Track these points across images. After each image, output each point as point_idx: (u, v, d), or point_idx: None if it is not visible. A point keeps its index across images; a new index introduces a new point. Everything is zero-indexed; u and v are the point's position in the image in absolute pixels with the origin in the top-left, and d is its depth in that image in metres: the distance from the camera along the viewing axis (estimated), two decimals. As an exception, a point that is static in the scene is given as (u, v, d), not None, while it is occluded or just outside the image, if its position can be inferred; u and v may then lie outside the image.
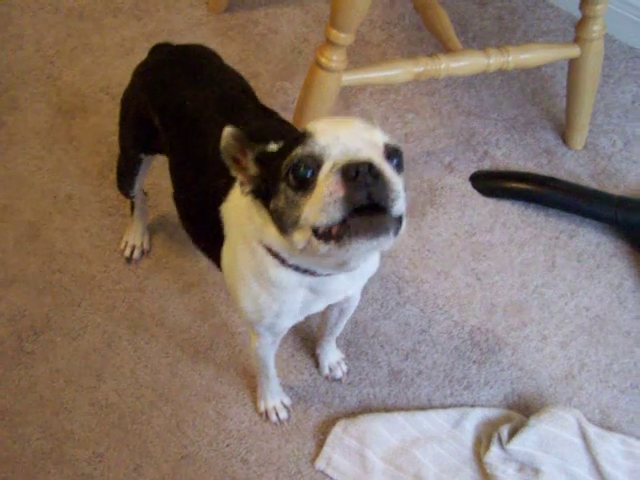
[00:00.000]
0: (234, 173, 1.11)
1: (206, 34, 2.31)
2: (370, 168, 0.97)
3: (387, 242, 1.00)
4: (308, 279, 1.19)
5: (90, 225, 1.93)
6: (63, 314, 1.81)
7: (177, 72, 1.48)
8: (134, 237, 1.86)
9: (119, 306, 1.82)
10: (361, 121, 1.07)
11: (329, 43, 1.66)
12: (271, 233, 1.11)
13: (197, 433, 1.66)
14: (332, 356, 1.72)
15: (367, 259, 1.15)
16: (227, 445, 1.65)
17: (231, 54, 2.25)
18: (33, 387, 1.72)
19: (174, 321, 1.80)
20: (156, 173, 1.89)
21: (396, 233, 1.01)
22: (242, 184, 1.12)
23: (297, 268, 1.16)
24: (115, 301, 1.82)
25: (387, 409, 1.70)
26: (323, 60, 1.68)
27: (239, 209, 1.21)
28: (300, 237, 1.04)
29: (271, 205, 1.07)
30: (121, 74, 2.20)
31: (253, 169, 1.10)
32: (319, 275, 1.17)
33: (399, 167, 1.05)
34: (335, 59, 1.68)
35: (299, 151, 1.02)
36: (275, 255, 1.15)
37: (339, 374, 1.73)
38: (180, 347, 1.77)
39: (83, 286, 1.85)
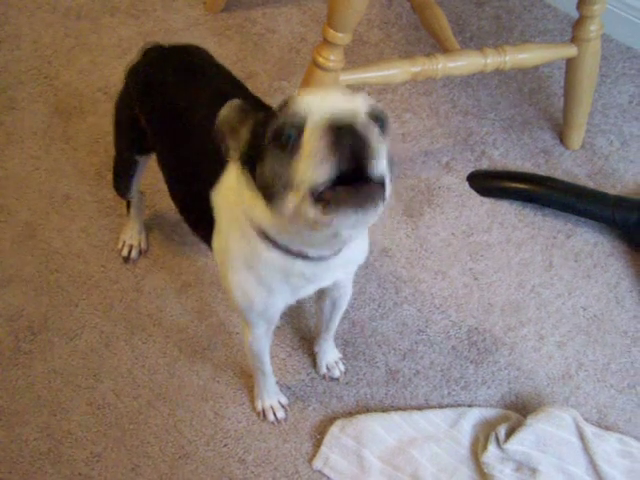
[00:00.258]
0: (229, 143, 1.11)
1: (203, 34, 2.31)
2: (353, 125, 0.96)
3: (374, 213, 0.98)
4: (299, 262, 1.17)
5: (87, 225, 1.93)
6: (60, 314, 1.81)
7: (169, 71, 1.47)
8: (131, 236, 1.86)
9: (117, 306, 1.82)
10: (346, 91, 1.07)
11: (326, 43, 1.66)
12: (260, 207, 1.08)
13: (195, 433, 1.66)
14: (330, 355, 1.72)
15: (358, 230, 1.12)
16: (225, 445, 1.65)
17: (229, 54, 2.25)
18: (30, 387, 1.71)
19: (171, 321, 1.80)
20: (153, 173, 1.89)
21: (382, 201, 0.99)
22: (233, 151, 1.11)
23: (287, 250, 1.15)
24: (112, 301, 1.82)
25: (384, 409, 1.70)
26: (321, 60, 1.68)
27: (229, 192, 1.21)
28: (292, 200, 1.00)
29: (257, 171, 1.06)
30: (118, 74, 2.19)
31: (245, 136, 1.09)
32: (310, 258, 1.16)
33: (383, 131, 1.03)
34: (333, 59, 1.68)
35: (282, 114, 1.02)
36: (265, 237, 1.15)
37: (337, 373, 1.73)
38: (178, 347, 1.77)
39: (80, 286, 1.84)
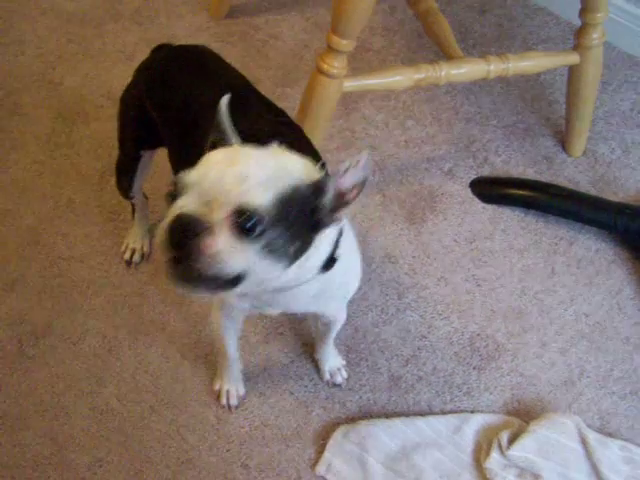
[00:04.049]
0: None
1: (207, 40, 2.31)
2: (187, 227, 0.98)
3: (201, 293, 1.03)
4: None
5: (91, 230, 1.94)
6: (64, 319, 1.81)
7: (178, 69, 1.49)
8: (134, 240, 1.87)
9: (120, 311, 1.82)
10: (240, 170, 1.01)
11: (330, 49, 1.67)
12: None
13: (197, 438, 1.66)
14: (332, 362, 1.72)
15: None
16: (227, 450, 1.65)
17: (232, 60, 2.21)
18: (33, 391, 1.71)
19: (174, 326, 1.80)
20: (157, 177, 1.89)
21: (215, 289, 1.02)
22: None
23: None
24: (116, 306, 1.83)
25: (387, 415, 1.70)
26: (324, 66, 1.69)
27: None
28: None
29: None
30: (122, 79, 2.18)
31: None
32: None
33: (252, 232, 0.99)
34: (336, 65, 1.68)
35: (180, 178, 1.03)
36: None
37: (339, 380, 1.73)
38: (180, 352, 1.77)
39: (84, 291, 1.85)
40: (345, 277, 1.30)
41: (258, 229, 0.99)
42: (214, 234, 0.98)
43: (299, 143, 1.27)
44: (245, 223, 0.98)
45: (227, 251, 0.98)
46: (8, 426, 1.67)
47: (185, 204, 1.00)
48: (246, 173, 1.00)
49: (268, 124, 1.35)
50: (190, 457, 1.64)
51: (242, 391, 1.71)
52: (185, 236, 0.97)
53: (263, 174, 1.00)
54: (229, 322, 1.49)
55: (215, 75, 1.47)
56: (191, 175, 1.02)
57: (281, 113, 1.44)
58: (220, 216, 0.99)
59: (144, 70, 1.56)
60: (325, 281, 1.18)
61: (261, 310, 1.32)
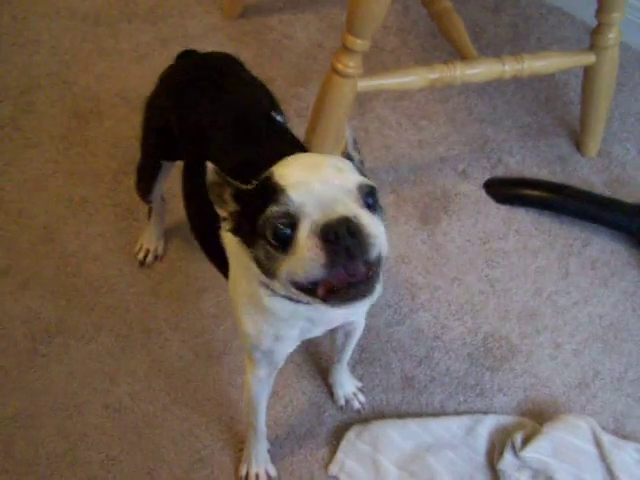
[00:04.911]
0: (217, 208, 1.11)
1: (221, 39, 2.32)
2: (348, 226, 0.97)
3: (371, 299, 1.02)
4: (303, 308, 1.17)
5: (104, 229, 1.94)
6: (77, 317, 1.81)
7: (199, 84, 1.47)
8: (149, 241, 1.87)
9: (133, 310, 1.82)
10: (332, 163, 1.05)
11: (345, 49, 1.67)
12: (256, 268, 1.10)
13: (210, 437, 1.66)
14: (347, 386, 1.69)
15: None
16: (240, 449, 1.64)
17: (246, 60, 2.21)
18: (47, 389, 1.72)
19: (188, 325, 1.80)
20: (174, 178, 1.89)
21: (378, 278, 1.02)
22: (224, 220, 1.12)
23: (290, 298, 1.13)
24: (129, 305, 1.83)
25: (400, 415, 1.70)
26: (339, 66, 1.69)
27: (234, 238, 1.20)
28: (279, 286, 1.07)
29: (251, 253, 1.08)
30: (136, 79, 2.21)
31: (232, 205, 1.10)
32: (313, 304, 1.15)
33: (375, 206, 1.04)
34: (351, 65, 1.68)
35: (274, 209, 1.01)
36: (266, 285, 1.14)
37: (356, 405, 1.69)
38: (194, 351, 1.77)
39: (97, 289, 1.85)
40: None
41: (378, 202, 1.05)
42: (365, 221, 1.00)
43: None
44: (370, 198, 1.03)
45: (377, 228, 1.01)
46: (22, 424, 1.68)
47: (317, 215, 0.99)
48: (339, 166, 1.05)
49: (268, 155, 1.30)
50: (202, 456, 1.64)
51: (273, 472, 1.61)
52: (350, 238, 0.98)
53: (342, 164, 1.07)
54: (265, 385, 1.44)
55: (233, 93, 1.45)
56: (293, 198, 1.00)
57: (290, 140, 1.42)
58: (355, 204, 1.01)
59: (167, 80, 1.55)
60: None
61: (308, 334, 1.30)
